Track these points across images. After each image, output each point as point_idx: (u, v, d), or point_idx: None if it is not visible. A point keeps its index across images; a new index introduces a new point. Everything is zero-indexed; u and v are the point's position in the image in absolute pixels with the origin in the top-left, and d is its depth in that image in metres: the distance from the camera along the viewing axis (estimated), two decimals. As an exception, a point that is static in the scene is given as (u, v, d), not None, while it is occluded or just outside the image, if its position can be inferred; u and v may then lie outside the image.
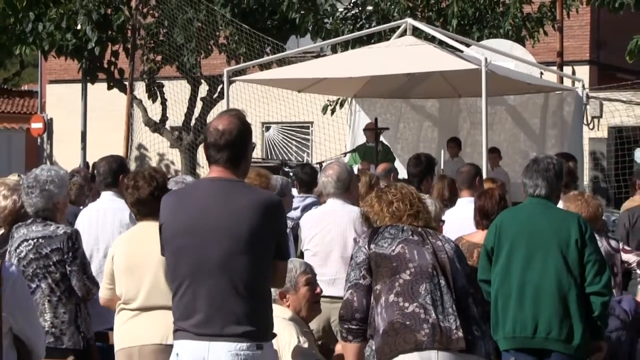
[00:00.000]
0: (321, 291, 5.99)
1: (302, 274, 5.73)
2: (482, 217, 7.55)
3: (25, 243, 6.44)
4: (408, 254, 4.98)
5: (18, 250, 6.44)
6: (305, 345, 5.48)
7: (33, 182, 6.51)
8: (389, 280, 4.94)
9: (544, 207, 6.52)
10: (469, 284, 5.13)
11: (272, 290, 5.44)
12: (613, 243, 7.74)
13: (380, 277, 4.98)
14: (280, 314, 5.53)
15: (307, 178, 9.59)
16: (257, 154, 22.61)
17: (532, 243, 6.39)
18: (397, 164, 13.60)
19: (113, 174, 8.02)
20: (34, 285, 6.39)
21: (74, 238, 6.51)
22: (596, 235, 7.16)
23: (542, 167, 6.59)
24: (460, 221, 8.17)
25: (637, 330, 7.35)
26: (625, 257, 7.87)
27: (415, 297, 4.89)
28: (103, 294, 6.32)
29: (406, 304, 4.88)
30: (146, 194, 6.10)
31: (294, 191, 9.61)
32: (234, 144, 4.80)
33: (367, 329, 5.03)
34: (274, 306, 5.54)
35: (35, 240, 6.44)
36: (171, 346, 5.24)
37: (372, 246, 5.03)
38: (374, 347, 4.96)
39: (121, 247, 6.22)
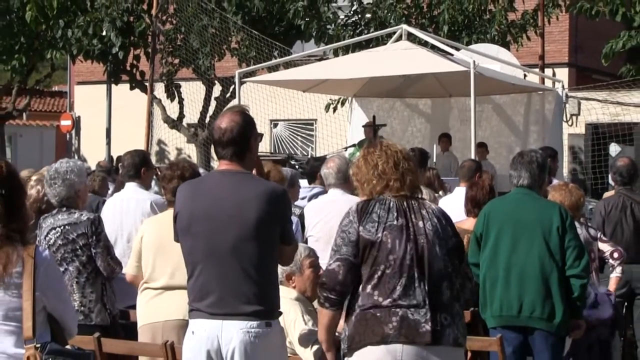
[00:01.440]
0: None
1: (307, 257, 5.74)
2: (474, 206, 7.56)
3: (53, 231, 6.45)
4: (390, 244, 4.63)
5: (47, 238, 6.44)
6: (310, 322, 5.49)
7: (54, 174, 6.52)
8: (369, 269, 4.66)
9: (529, 196, 6.51)
10: (448, 263, 4.69)
11: (279, 272, 5.45)
12: (592, 232, 7.71)
13: (364, 262, 4.69)
14: (287, 295, 5.53)
15: (312, 170, 9.58)
16: (266, 148, 22.60)
17: (518, 230, 6.37)
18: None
19: (136, 166, 8.05)
20: (62, 269, 6.38)
21: (97, 223, 6.52)
22: (577, 224, 7.15)
23: (527, 160, 6.58)
24: (455, 209, 8.17)
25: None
26: (601, 246, 7.85)
27: (390, 293, 4.59)
28: (130, 271, 6.32)
29: (380, 299, 4.60)
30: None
31: (305, 182, 9.61)
32: (236, 141, 4.77)
33: (343, 300, 4.74)
34: (281, 287, 5.53)
35: (62, 228, 6.44)
36: None
37: (361, 228, 4.70)
38: (347, 333, 4.72)
39: (150, 228, 6.23)
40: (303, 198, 8.89)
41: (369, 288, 4.64)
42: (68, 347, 3.87)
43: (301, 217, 7.86)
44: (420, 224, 4.69)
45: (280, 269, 5.27)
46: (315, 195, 8.77)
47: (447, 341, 4.60)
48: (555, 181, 9.54)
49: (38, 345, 3.67)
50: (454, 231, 4.78)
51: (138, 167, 8.04)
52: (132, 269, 6.30)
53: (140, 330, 6.16)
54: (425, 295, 4.59)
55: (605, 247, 7.88)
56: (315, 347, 5.38)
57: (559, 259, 6.24)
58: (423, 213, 4.72)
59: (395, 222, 4.67)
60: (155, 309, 6.09)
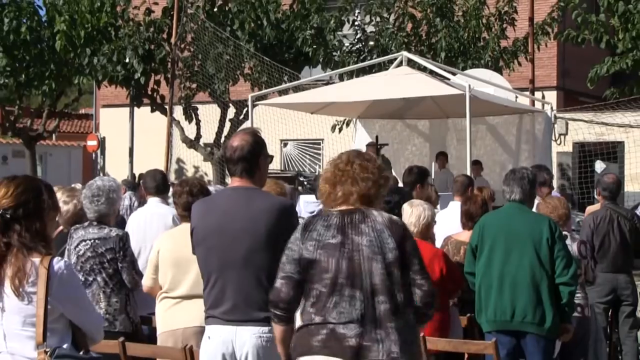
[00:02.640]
0: None
1: None
2: (468, 219, 7.55)
3: (83, 243, 6.44)
4: (325, 263, 4.21)
5: (77, 249, 6.43)
6: None
7: (98, 191, 6.49)
8: (308, 287, 4.26)
9: (520, 210, 6.51)
10: (386, 277, 4.17)
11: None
12: (582, 249, 7.55)
13: (307, 280, 4.27)
14: None
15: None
16: (276, 166, 22.61)
17: (510, 241, 6.37)
18: (394, 174, 13.57)
19: (157, 184, 8.10)
20: (91, 279, 6.39)
21: (125, 239, 6.51)
22: (569, 240, 7.13)
23: (518, 177, 6.59)
24: (450, 222, 8.17)
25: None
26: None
27: (322, 311, 4.20)
28: (146, 283, 6.31)
29: (316, 318, 4.21)
30: (193, 200, 6.09)
31: (312, 197, 9.60)
32: (246, 158, 4.78)
33: (291, 315, 4.37)
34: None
35: (92, 241, 6.43)
36: None
37: (303, 246, 4.27)
38: (293, 343, 4.37)
39: (166, 243, 6.21)
40: (312, 212, 8.89)
41: (308, 306, 4.28)
42: (81, 352, 3.84)
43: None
44: (357, 239, 4.19)
45: None
46: (323, 210, 8.78)
47: (375, 356, 4.08)
48: (555, 193, 9.56)
49: (48, 350, 3.68)
50: (400, 241, 4.20)
51: (158, 185, 8.13)
52: (149, 281, 6.28)
53: (161, 337, 6.15)
54: (359, 312, 4.14)
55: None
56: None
57: (549, 268, 6.25)
58: (362, 227, 4.21)
59: (331, 240, 4.22)
60: (175, 317, 6.08)
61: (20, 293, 3.70)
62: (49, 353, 3.68)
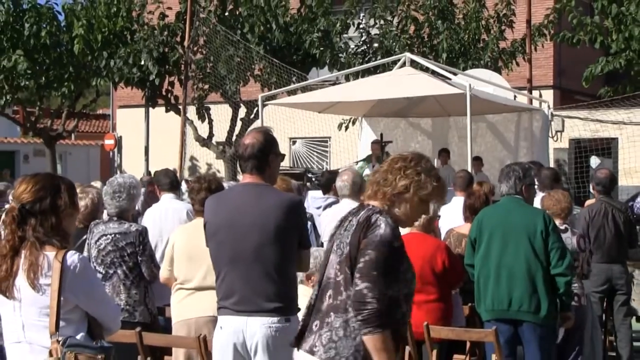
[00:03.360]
0: None
1: None
2: (471, 213, 7.55)
3: (104, 237, 6.47)
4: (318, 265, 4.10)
5: (97, 243, 6.46)
6: None
7: (119, 187, 6.53)
8: None
9: (516, 204, 6.50)
10: (338, 272, 3.87)
11: (299, 273, 5.43)
12: (582, 243, 7.55)
13: None
14: (307, 293, 5.49)
15: (326, 182, 9.57)
16: (285, 163, 22.62)
17: (507, 234, 6.37)
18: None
19: (170, 181, 8.15)
20: (111, 271, 6.42)
21: (144, 234, 6.54)
22: (569, 233, 7.13)
23: (508, 171, 6.58)
24: (452, 215, 8.19)
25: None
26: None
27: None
28: (163, 275, 6.33)
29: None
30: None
31: (320, 193, 9.60)
32: (256, 156, 4.79)
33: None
34: (301, 286, 5.56)
35: (112, 235, 6.46)
36: None
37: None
38: None
39: (181, 237, 6.23)
40: (319, 207, 8.90)
41: None
42: (94, 342, 3.85)
43: (311, 219, 7.84)
44: (340, 232, 3.96)
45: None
46: (330, 205, 8.78)
47: (304, 347, 3.91)
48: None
49: (60, 339, 3.71)
50: (359, 240, 3.83)
51: (171, 182, 8.18)
52: (165, 273, 6.30)
53: (175, 326, 6.18)
54: (310, 302, 3.98)
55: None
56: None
57: (544, 259, 6.25)
58: (350, 220, 3.96)
59: (334, 232, 4.03)
60: (188, 307, 6.10)
61: (35, 285, 3.73)
62: (61, 342, 3.70)
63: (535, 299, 6.23)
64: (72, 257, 3.80)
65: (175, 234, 6.37)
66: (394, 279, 3.81)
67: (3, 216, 3.87)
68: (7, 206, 3.96)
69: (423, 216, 6.90)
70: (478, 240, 6.54)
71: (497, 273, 6.36)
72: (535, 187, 7.01)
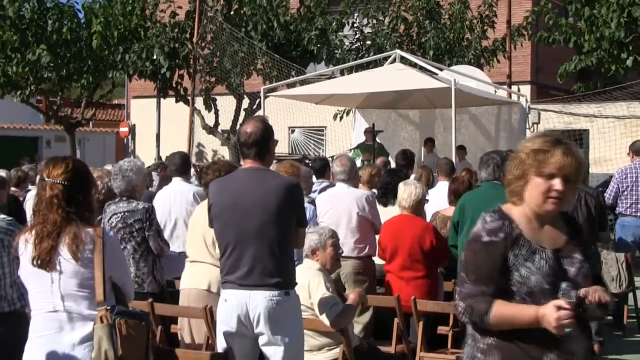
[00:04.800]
0: (342, 251, 6.02)
1: (330, 237, 5.76)
2: (455, 197, 7.49)
3: (115, 216, 6.44)
4: None
5: (110, 222, 6.43)
6: (330, 289, 5.52)
7: (117, 170, 6.56)
8: None
9: (495, 189, 6.42)
10: None
11: (305, 247, 5.52)
12: None
13: None
14: (312, 266, 5.62)
15: (321, 167, 9.50)
16: (284, 150, 22.56)
17: (486, 216, 6.29)
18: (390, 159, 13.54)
19: (181, 165, 8.09)
20: (122, 247, 6.37)
21: (150, 211, 6.51)
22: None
23: (487, 159, 6.52)
24: (438, 199, 8.13)
25: None
26: None
27: None
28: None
29: None
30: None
31: (314, 178, 9.53)
32: (258, 142, 4.74)
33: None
34: (306, 260, 5.64)
35: (122, 214, 6.44)
36: (212, 293, 5.44)
37: None
38: None
39: (194, 214, 6.16)
40: (314, 191, 8.84)
41: None
42: (130, 309, 3.90)
43: (313, 202, 7.82)
44: None
45: (307, 244, 5.26)
46: (324, 189, 8.73)
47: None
48: None
49: (108, 307, 3.70)
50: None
51: (182, 166, 8.11)
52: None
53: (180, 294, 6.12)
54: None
55: None
56: (332, 310, 5.37)
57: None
58: None
59: None
60: (185, 277, 6.00)
61: (78, 258, 3.70)
62: (109, 310, 3.70)
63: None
64: (109, 233, 3.84)
65: (197, 209, 6.20)
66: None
67: (32, 198, 3.84)
68: (31, 191, 3.91)
69: (412, 199, 6.87)
70: (460, 223, 6.49)
71: (478, 253, 6.29)
72: None
